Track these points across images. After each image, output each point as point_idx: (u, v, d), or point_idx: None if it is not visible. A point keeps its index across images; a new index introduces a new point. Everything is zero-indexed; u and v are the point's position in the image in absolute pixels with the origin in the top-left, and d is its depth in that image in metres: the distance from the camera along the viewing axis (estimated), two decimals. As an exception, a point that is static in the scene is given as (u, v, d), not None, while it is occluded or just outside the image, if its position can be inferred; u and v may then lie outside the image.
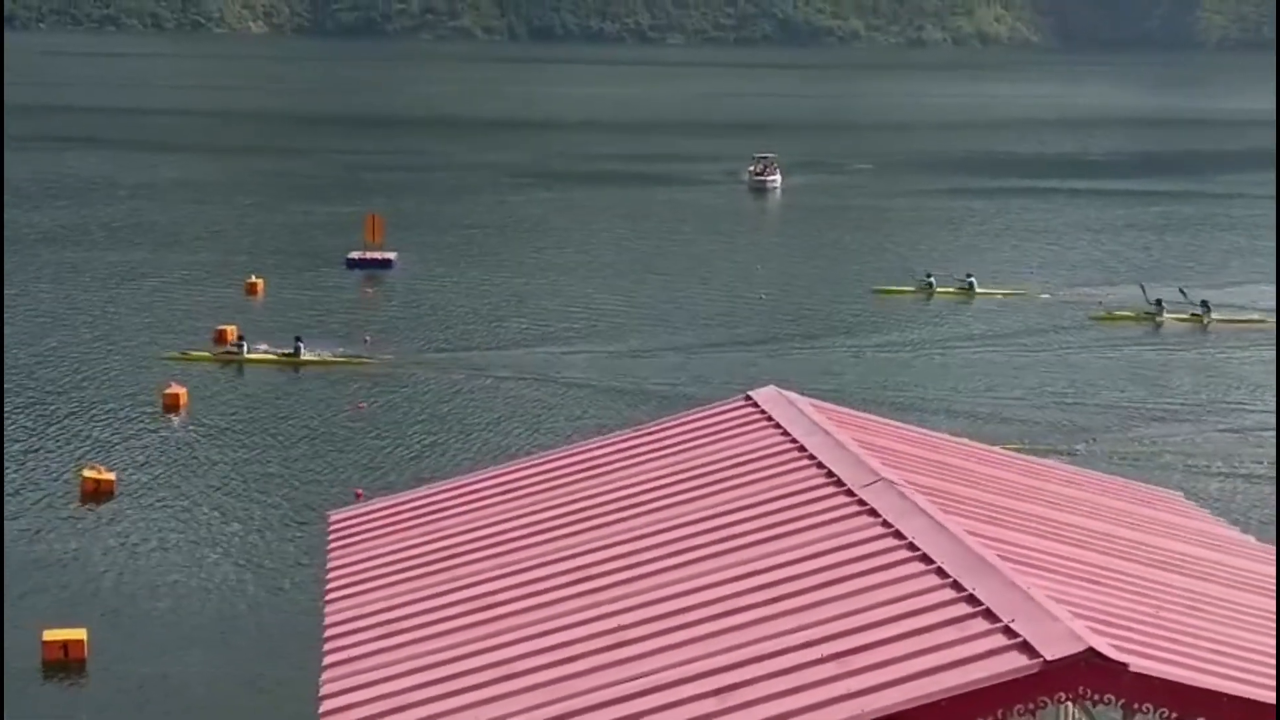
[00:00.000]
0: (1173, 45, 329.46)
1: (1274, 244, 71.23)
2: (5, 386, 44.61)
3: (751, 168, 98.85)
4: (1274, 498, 34.70)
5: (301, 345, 47.86)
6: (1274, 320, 55.33)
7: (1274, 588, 14.27)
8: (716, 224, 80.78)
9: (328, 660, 13.55)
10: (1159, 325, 56.41)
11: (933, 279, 61.43)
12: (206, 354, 48.11)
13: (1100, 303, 58.57)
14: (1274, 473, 37.09)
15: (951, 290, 61.06)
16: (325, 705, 12.68)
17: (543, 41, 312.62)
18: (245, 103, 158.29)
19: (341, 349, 48.90)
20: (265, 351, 47.98)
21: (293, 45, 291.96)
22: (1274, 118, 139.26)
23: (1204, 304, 57.11)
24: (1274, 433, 40.93)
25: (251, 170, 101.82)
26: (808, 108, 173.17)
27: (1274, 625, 12.97)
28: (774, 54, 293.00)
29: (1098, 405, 45.19)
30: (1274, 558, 15.63)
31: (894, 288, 61.77)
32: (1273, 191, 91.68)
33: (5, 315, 54.18)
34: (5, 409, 42.04)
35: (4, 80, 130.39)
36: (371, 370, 47.07)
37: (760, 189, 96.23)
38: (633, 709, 11.53)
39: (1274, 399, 44.33)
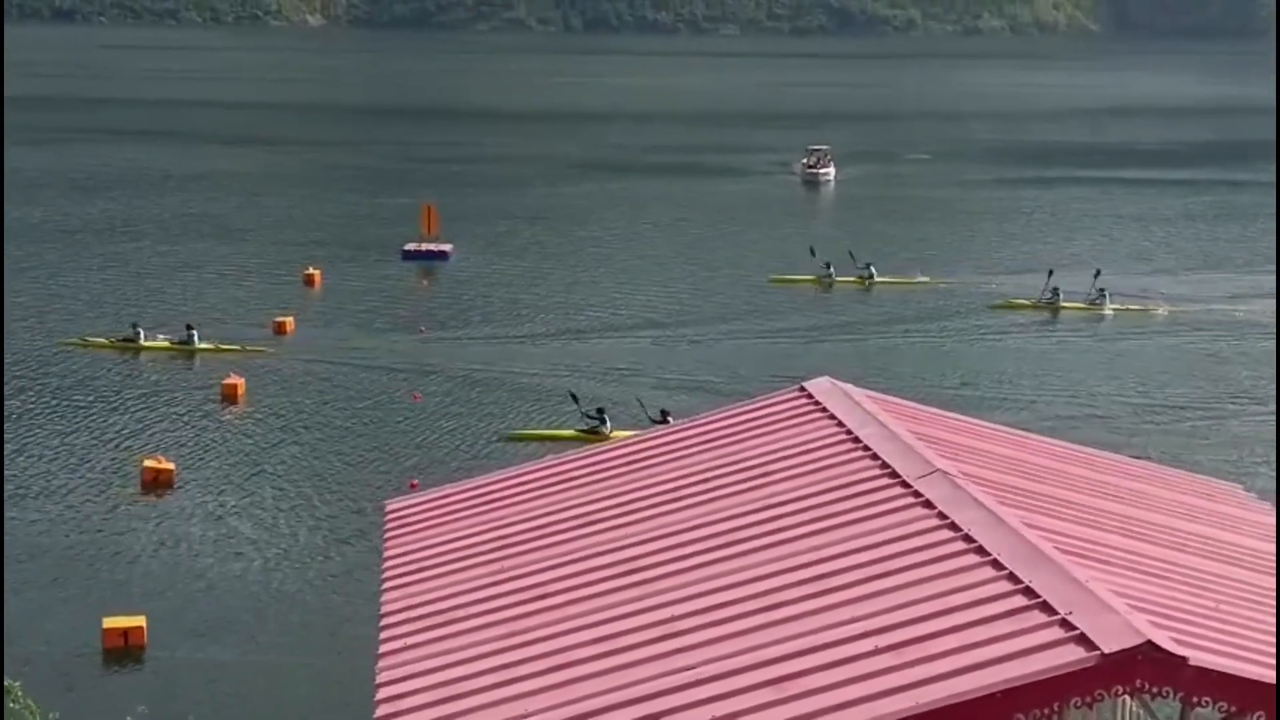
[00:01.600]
0: (1233, 34, 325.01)
1: (1275, 238, 70.11)
2: (69, 374, 45.19)
3: (805, 160, 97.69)
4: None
5: (194, 334, 48.00)
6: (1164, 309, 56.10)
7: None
8: (769, 217, 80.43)
9: (383, 648, 13.63)
10: (1056, 313, 56.17)
11: (832, 268, 60.77)
12: (104, 340, 48.34)
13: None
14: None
15: (851, 279, 60.55)
16: (381, 693, 12.76)
17: (597, 32, 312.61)
18: (302, 95, 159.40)
19: (237, 337, 48.91)
20: (161, 339, 48.17)
21: (349, 37, 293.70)
22: None
23: (1101, 291, 56.84)
24: (1274, 418, 40.47)
25: (308, 162, 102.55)
26: (863, 98, 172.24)
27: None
28: (829, 44, 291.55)
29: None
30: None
31: (790, 276, 61.20)
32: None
33: (67, 305, 54.88)
34: (66, 402, 42.55)
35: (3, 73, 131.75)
36: (266, 359, 46.93)
37: (813, 182, 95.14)
38: (685, 699, 11.52)
39: (1274, 393, 43.65)
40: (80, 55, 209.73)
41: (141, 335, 48.00)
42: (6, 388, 43.21)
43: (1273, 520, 17.00)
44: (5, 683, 13.97)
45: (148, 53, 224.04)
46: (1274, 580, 13.86)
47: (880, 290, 60.26)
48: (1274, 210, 79.50)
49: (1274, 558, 14.76)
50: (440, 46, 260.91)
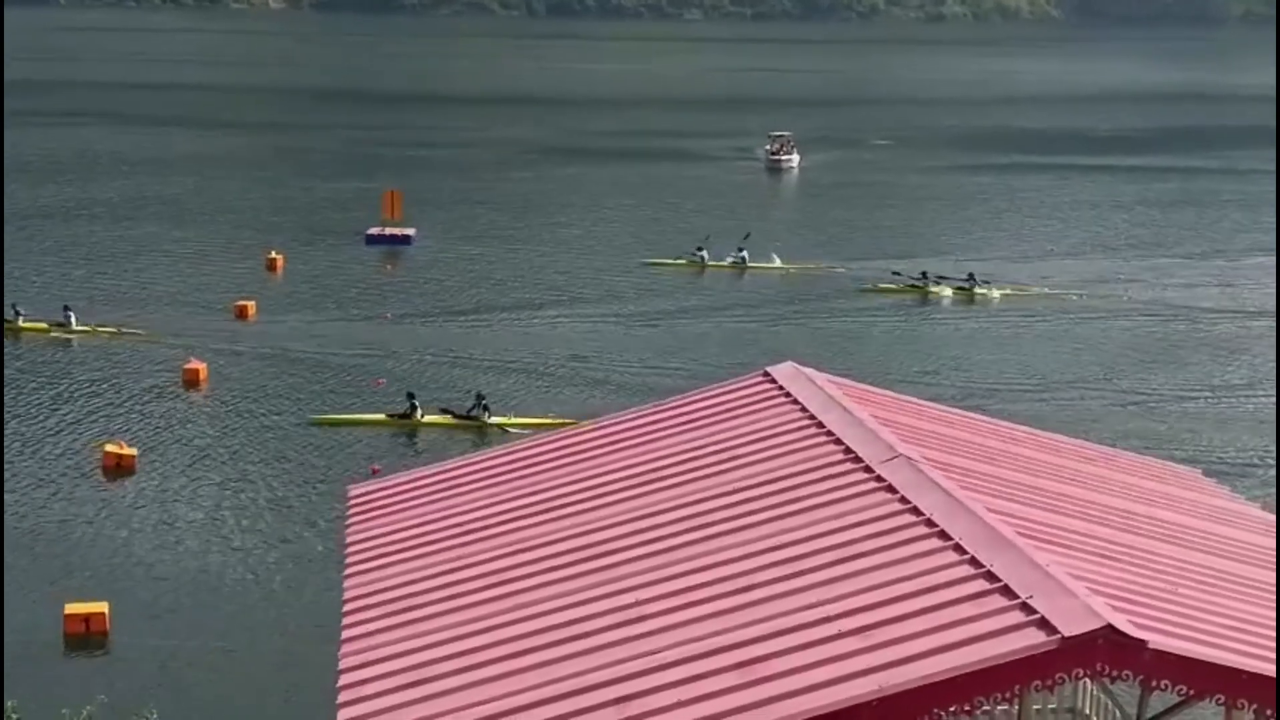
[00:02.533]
0: (1193, 20, 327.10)
1: (1274, 222, 70.81)
2: (27, 359, 44.82)
3: (768, 146, 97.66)
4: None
5: (71, 315, 47.87)
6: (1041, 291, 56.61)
7: (1293, 565, 14.22)
8: (729, 203, 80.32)
9: (346, 634, 13.61)
10: (926, 297, 56.70)
11: (704, 253, 61.15)
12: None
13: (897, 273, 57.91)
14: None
15: (725, 264, 60.86)
16: (344, 679, 12.74)
17: (560, 17, 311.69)
18: (263, 78, 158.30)
19: (111, 319, 48.69)
20: (37, 320, 47.94)
21: (310, 20, 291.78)
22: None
23: (970, 276, 57.34)
24: (1274, 409, 40.81)
25: (270, 146, 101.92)
26: (827, 83, 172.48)
27: (1292, 602, 12.93)
28: (793, 29, 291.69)
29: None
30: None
31: (663, 260, 61.51)
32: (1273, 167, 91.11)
33: (26, 289, 54.40)
34: (28, 384, 42.23)
35: (3, 64, 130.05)
36: (145, 341, 46.75)
37: (776, 169, 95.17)
38: (651, 683, 11.56)
39: (1274, 390, 44.07)
40: (39, 38, 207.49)
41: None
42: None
43: (1233, 505, 17.18)
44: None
45: (107, 35, 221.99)
46: (1232, 564, 14.01)
47: (752, 275, 60.31)
48: (1247, 196, 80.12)
49: (1233, 541, 14.92)
50: (402, 30, 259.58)
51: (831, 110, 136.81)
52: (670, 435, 16.74)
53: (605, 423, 17.80)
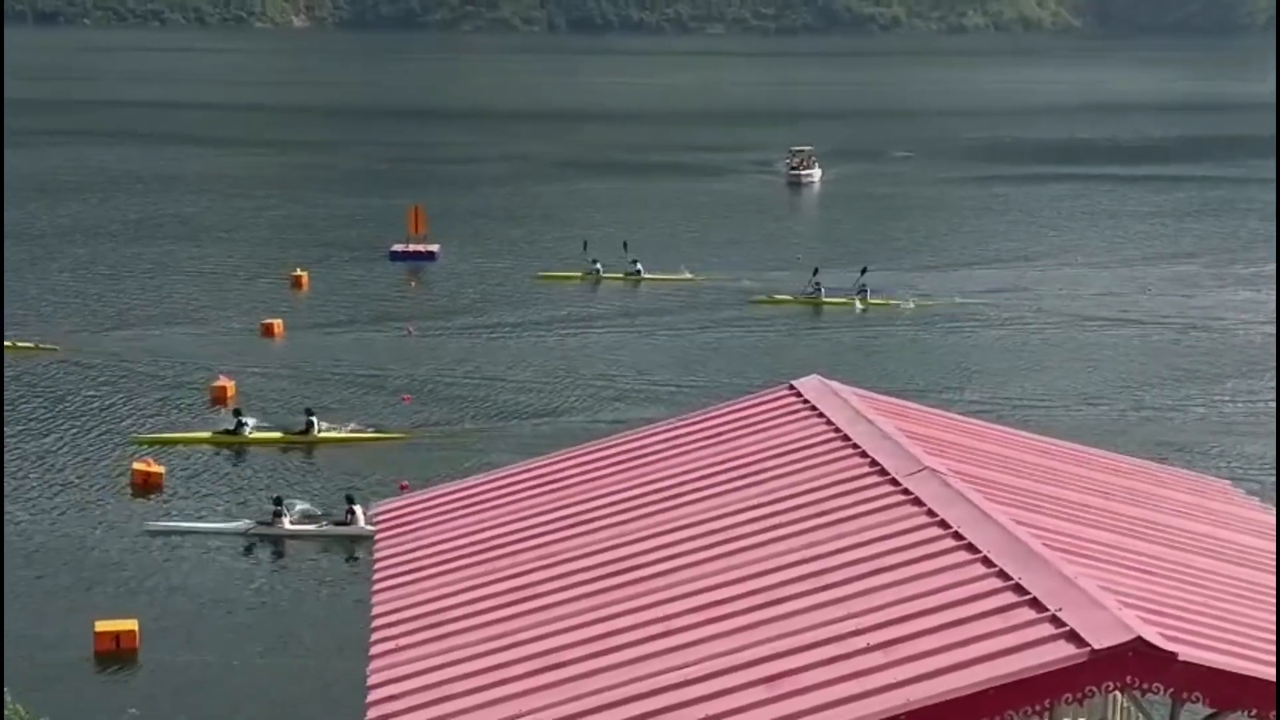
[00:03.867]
0: (1216, 29, 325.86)
1: (1275, 236, 70.43)
2: (57, 378, 45.08)
3: (788, 160, 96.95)
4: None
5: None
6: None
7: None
8: (750, 219, 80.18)
9: (375, 650, 13.65)
10: (817, 309, 56.75)
11: (599, 265, 61.29)
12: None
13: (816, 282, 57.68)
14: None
15: (619, 275, 60.99)
16: (373, 694, 12.78)
17: (582, 32, 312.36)
18: (287, 97, 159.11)
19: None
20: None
21: (334, 39, 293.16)
22: None
23: (862, 288, 57.35)
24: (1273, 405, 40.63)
25: (294, 164, 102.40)
26: (849, 96, 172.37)
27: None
28: (815, 43, 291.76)
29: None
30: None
31: (559, 273, 61.78)
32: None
33: (54, 309, 54.73)
34: (58, 400, 42.46)
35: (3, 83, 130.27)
36: (64, 358, 46.73)
37: (796, 183, 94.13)
38: (679, 698, 11.56)
39: (1274, 393, 43.83)
40: (65, 58, 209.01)
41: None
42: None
43: (1264, 517, 17.08)
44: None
45: (132, 55, 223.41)
46: (1263, 575, 13.93)
47: (647, 286, 60.27)
48: (1265, 205, 79.78)
49: (1265, 553, 14.83)
50: (425, 47, 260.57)
51: (854, 123, 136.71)
52: (696, 449, 16.75)
53: (631, 437, 17.82)
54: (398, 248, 65.61)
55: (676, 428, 17.67)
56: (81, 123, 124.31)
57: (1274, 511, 18.15)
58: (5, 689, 14.03)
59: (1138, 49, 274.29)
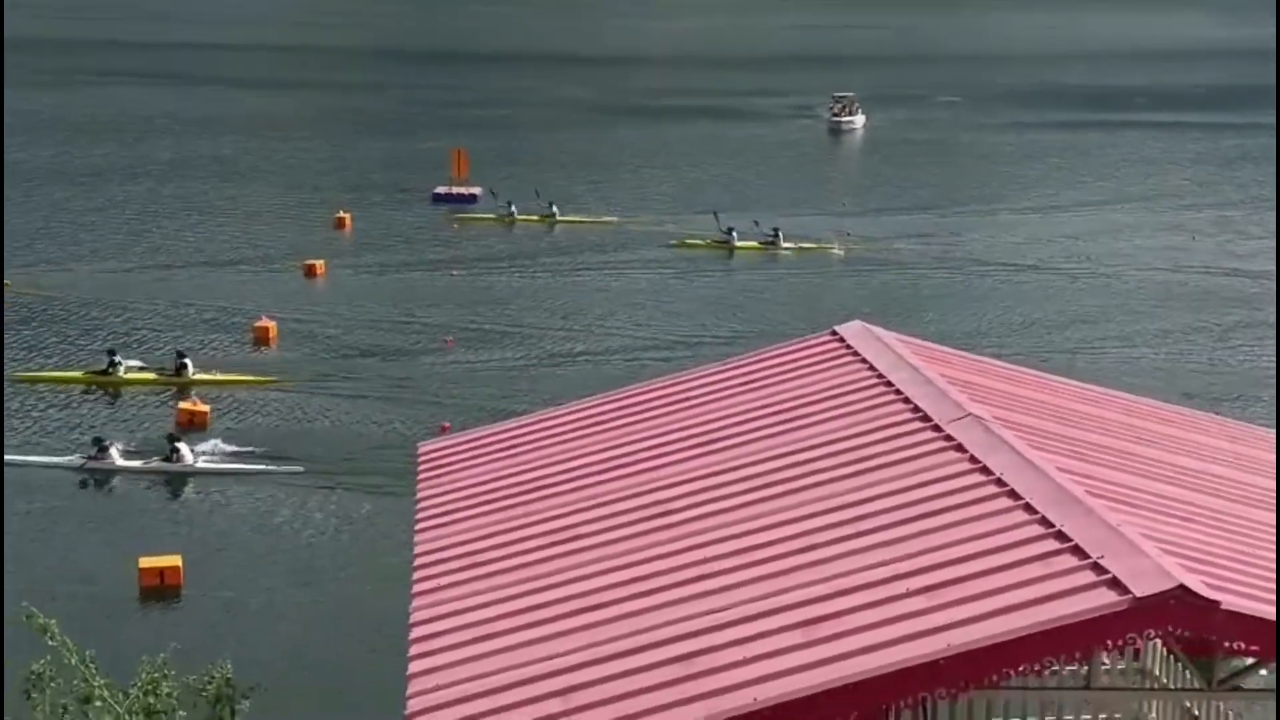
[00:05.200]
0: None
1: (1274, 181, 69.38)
2: (110, 318, 45.41)
3: (830, 107, 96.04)
4: None
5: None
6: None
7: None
8: (791, 164, 79.69)
9: (417, 589, 13.72)
10: (730, 253, 56.26)
11: (514, 206, 61.69)
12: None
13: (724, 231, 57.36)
14: None
15: (534, 217, 61.23)
16: (415, 632, 12.86)
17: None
18: (329, 39, 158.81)
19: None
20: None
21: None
22: None
23: (775, 231, 57.00)
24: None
25: (336, 106, 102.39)
26: (895, 40, 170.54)
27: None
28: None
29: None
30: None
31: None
32: None
33: (94, 249, 55.11)
34: (108, 341, 42.81)
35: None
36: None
37: (838, 130, 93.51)
38: (715, 640, 11.58)
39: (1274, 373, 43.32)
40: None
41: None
42: (32, 334, 43.49)
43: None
44: (42, 621, 14.12)
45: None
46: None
47: (562, 228, 60.14)
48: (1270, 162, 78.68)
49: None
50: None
51: (899, 67, 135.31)
52: (737, 394, 16.70)
53: (672, 381, 17.77)
54: (440, 190, 65.65)
55: (718, 372, 17.61)
56: (120, 63, 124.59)
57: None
58: (53, 620, 14.21)
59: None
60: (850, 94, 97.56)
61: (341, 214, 60.77)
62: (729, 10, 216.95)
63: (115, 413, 37.29)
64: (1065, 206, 67.85)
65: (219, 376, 38.84)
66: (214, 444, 34.13)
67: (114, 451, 32.94)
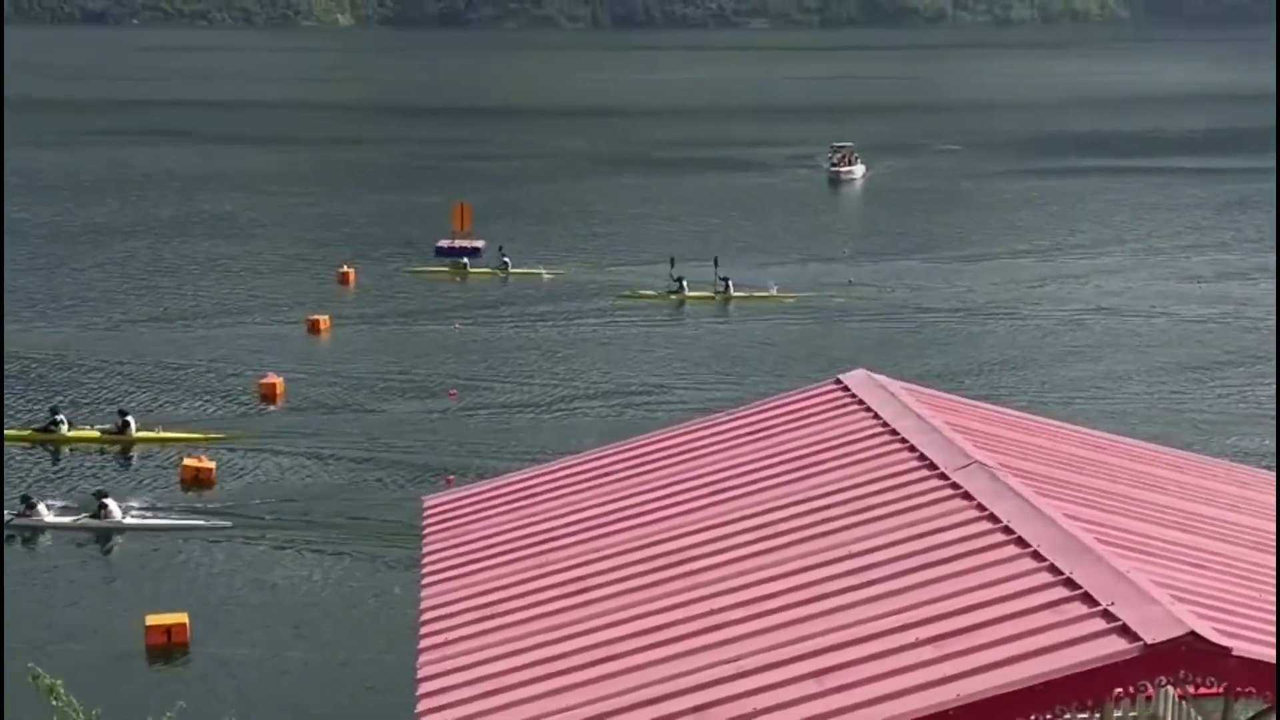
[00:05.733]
0: (1266, 18, 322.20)
1: (1274, 224, 69.59)
2: (116, 374, 45.45)
3: (830, 157, 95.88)
4: None
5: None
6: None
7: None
8: (789, 216, 79.82)
9: (424, 644, 13.70)
10: (680, 303, 56.33)
11: (467, 261, 62.02)
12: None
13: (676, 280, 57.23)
14: None
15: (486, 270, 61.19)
16: (423, 688, 12.83)
17: (625, 28, 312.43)
18: (333, 95, 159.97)
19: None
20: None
21: (379, 37, 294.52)
22: None
23: (725, 280, 57.06)
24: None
25: (341, 161, 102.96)
26: (895, 90, 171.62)
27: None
28: (859, 36, 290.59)
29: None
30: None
31: (425, 268, 62.25)
32: None
33: (98, 307, 55.25)
34: (113, 397, 42.83)
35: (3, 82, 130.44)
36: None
37: (837, 180, 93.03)
38: (728, 691, 11.56)
39: (1274, 385, 43.30)
40: (113, 57, 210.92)
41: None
42: (30, 386, 43.54)
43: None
44: (48, 681, 14.11)
45: (179, 54, 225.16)
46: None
47: (515, 280, 60.37)
48: (1271, 198, 78.97)
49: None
50: (469, 45, 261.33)
51: (899, 117, 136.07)
52: (744, 443, 16.72)
53: (678, 431, 17.80)
54: (443, 243, 65.90)
55: (724, 422, 17.65)
56: (126, 122, 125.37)
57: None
58: (59, 681, 14.18)
59: (1186, 39, 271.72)
60: (849, 144, 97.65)
61: (345, 269, 60.98)
62: (730, 62, 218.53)
63: (58, 469, 37.23)
64: (1066, 252, 68.06)
65: (162, 434, 38.77)
66: (144, 499, 34.07)
67: (42, 508, 32.89)
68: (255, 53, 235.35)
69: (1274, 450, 37.60)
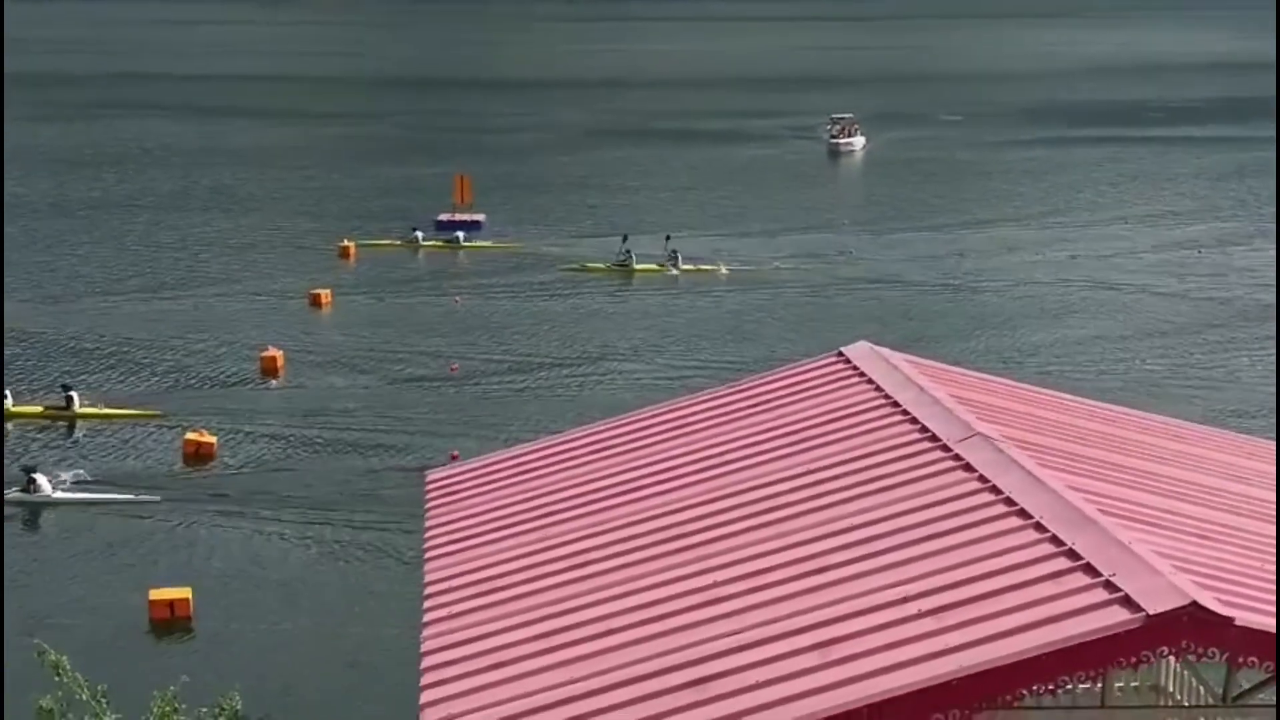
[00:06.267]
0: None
1: (1274, 192, 69.42)
2: (114, 349, 45.43)
3: (829, 128, 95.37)
4: None
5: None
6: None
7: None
8: (787, 188, 79.49)
9: (428, 617, 13.72)
10: (630, 276, 56.19)
11: (419, 233, 61.82)
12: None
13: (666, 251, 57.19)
14: None
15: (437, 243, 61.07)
16: (426, 660, 12.86)
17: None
18: (329, 68, 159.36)
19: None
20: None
21: (374, 9, 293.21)
22: None
23: (674, 253, 57.01)
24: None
25: (339, 135, 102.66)
26: (895, 59, 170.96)
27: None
28: (856, 6, 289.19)
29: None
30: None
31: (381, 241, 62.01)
32: None
33: (100, 281, 55.21)
34: (114, 372, 42.81)
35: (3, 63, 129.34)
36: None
37: (836, 152, 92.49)
38: (730, 664, 11.58)
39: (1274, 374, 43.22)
40: (107, 32, 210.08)
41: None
42: (31, 364, 43.54)
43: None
44: (53, 657, 14.12)
45: (178, 28, 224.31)
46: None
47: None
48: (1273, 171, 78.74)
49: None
50: (465, 16, 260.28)
51: (901, 87, 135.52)
52: (745, 416, 16.72)
53: (679, 404, 17.80)
54: (444, 217, 65.73)
55: (725, 395, 17.64)
56: (124, 97, 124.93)
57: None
58: (64, 656, 14.21)
59: (1189, 7, 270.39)
60: (849, 115, 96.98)
61: (346, 243, 60.89)
62: (727, 33, 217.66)
63: (71, 442, 37.22)
64: (1067, 222, 67.93)
65: (105, 410, 38.67)
66: (75, 473, 34.07)
67: None
68: (253, 26, 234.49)
69: (1275, 420, 37.60)
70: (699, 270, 56.49)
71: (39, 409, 38.77)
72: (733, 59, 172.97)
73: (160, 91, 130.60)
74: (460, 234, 61.86)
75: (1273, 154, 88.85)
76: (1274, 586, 11.96)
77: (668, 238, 58.57)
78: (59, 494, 32.92)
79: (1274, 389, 41.21)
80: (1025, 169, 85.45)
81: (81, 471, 34.41)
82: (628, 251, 57.07)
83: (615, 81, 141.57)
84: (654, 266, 56.64)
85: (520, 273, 57.17)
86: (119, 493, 33.27)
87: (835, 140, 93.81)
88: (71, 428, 38.08)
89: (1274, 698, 12.25)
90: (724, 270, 56.56)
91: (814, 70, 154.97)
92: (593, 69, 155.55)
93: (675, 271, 56.40)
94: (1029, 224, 67.45)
